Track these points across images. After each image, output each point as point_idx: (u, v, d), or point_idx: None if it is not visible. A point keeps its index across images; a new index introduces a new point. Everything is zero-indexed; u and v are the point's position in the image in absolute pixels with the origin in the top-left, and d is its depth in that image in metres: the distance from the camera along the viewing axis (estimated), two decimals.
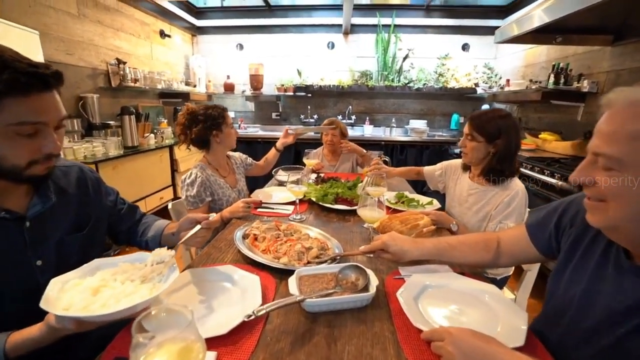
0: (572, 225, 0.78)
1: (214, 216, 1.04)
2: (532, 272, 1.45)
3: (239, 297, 0.84)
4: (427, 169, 1.88)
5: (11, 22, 1.88)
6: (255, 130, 4.84)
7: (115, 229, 1.10)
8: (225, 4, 4.88)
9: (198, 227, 1.00)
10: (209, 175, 1.62)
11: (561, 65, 3.04)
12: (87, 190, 0.97)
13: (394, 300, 0.83)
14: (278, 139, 2.12)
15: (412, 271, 0.98)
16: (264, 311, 0.70)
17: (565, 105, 3.11)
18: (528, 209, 1.42)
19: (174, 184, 3.57)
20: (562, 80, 2.99)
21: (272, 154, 2.14)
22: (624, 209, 0.58)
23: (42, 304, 0.62)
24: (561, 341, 0.71)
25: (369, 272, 0.88)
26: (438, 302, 0.82)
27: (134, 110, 3.02)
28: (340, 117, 4.69)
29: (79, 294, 0.67)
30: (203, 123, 1.60)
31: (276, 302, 0.73)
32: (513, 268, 1.53)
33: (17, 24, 2.06)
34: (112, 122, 2.98)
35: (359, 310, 0.81)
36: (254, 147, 4.33)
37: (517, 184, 1.39)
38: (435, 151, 4.24)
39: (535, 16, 2.46)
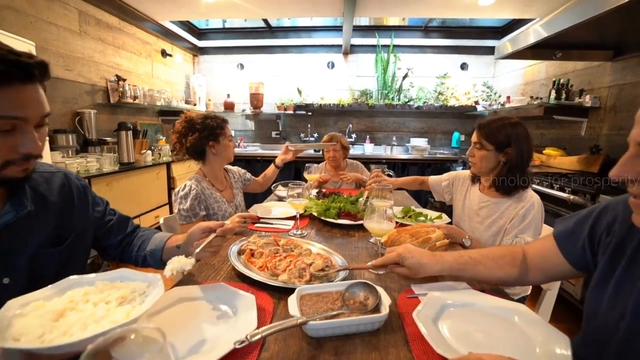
0: (610, 234, 0.69)
1: (228, 223, 0.97)
2: (552, 291, 1.33)
3: (231, 319, 0.73)
4: (432, 178, 1.81)
5: (6, 32, 1.85)
6: (255, 149, 4.80)
7: (104, 242, 0.99)
8: (227, 26, 4.97)
9: (213, 235, 0.92)
10: (205, 188, 1.53)
11: (562, 81, 3.02)
12: (71, 199, 0.88)
13: (410, 322, 0.72)
14: (277, 157, 2.05)
15: (427, 289, 0.87)
16: (259, 336, 0.59)
17: (568, 120, 3.08)
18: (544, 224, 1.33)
19: (170, 202, 3.46)
20: (563, 96, 2.97)
21: (271, 170, 2.06)
22: None
23: None
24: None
25: (380, 290, 0.78)
26: (461, 324, 0.72)
27: (132, 127, 2.97)
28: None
29: (36, 319, 0.55)
30: (200, 132, 1.53)
31: (273, 325, 0.63)
32: (530, 287, 1.42)
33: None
34: (108, 139, 2.93)
35: (370, 335, 0.70)
36: (253, 165, 4.26)
37: (532, 195, 1.30)
38: (437, 169, 4.18)
39: (535, 31, 2.47)
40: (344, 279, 0.92)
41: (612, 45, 2.65)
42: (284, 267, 0.96)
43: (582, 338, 0.71)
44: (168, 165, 3.44)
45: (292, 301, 0.74)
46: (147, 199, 3.07)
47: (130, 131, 2.92)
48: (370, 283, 0.80)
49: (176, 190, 1.49)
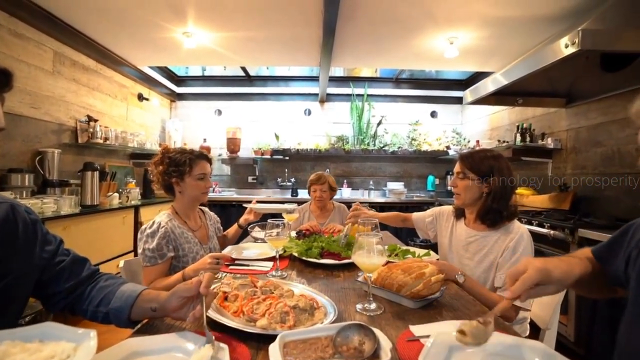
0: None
1: (202, 274, 0.77)
2: (551, 330, 1.25)
3: None
4: (416, 215, 1.76)
5: None
6: (231, 194, 4.66)
7: (50, 289, 0.81)
8: (206, 74, 5.10)
9: (204, 299, 0.74)
10: (175, 226, 1.39)
11: (524, 125, 3.24)
12: (14, 234, 0.74)
13: None
14: (252, 201, 1.90)
15: (428, 330, 0.77)
16: None
17: (535, 161, 3.24)
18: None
19: (135, 249, 3.18)
20: (527, 139, 3.17)
21: (233, 230, 1.87)
22: None
23: None
24: None
25: (377, 332, 0.67)
26: None
27: (98, 167, 2.80)
28: None
29: None
30: (167, 165, 1.43)
31: None
32: (528, 328, 1.33)
33: None
34: (71, 180, 2.73)
35: None
36: (228, 210, 4.10)
37: (519, 227, 1.27)
38: (415, 211, 4.19)
39: (496, 80, 2.68)
40: (332, 322, 0.80)
41: (564, 93, 2.92)
42: (262, 311, 0.82)
43: None
44: (136, 209, 3.22)
45: (274, 350, 0.62)
46: (109, 245, 2.80)
47: (97, 172, 2.75)
48: (365, 325, 0.69)
49: (143, 227, 1.33)
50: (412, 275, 0.98)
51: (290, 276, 1.27)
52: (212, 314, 0.81)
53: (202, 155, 1.51)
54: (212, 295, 0.80)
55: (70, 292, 0.83)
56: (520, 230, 1.25)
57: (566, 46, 1.78)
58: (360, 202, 1.90)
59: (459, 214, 1.48)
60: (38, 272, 0.79)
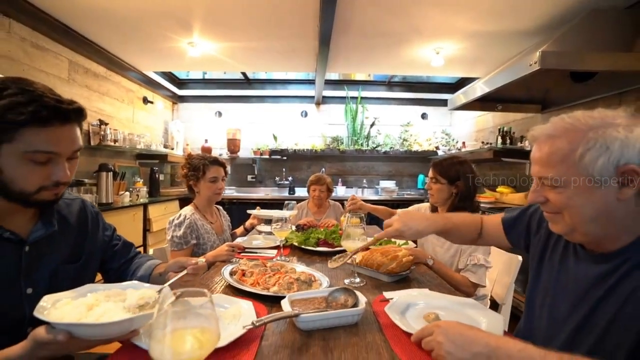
0: (539, 230, 0.91)
1: (202, 261, 1.02)
2: (506, 305, 1.53)
3: (233, 318, 0.85)
4: (400, 210, 2.02)
5: None
6: (231, 192, 4.90)
7: (107, 265, 1.08)
8: (206, 77, 5.32)
9: (184, 271, 0.98)
10: (197, 219, 1.65)
11: (505, 129, 3.52)
12: (86, 222, 0.99)
13: (383, 316, 0.88)
14: (252, 201, 2.20)
15: (396, 295, 1.03)
16: (262, 322, 0.73)
17: (514, 162, 3.53)
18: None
19: (144, 244, 3.42)
20: (508, 141, 3.45)
21: (240, 230, 2.16)
22: (578, 216, 0.69)
23: (35, 313, 0.61)
24: (544, 334, 0.79)
25: (358, 293, 0.93)
26: (422, 314, 0.88)
27: (112, 168, 3.03)
28: None
29: (72, 309, 0.67)
30: (187, 170, 1.69)
31: (273, 315, 0.76)
32: (489, 302, 1.60)
33: None
34: (86, 180, 2.96)
35: (350, 327, 0.85)
36: (228, 208, 4.33)
37: None
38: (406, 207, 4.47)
39: (478, 88, 2.94)
40: (328, 287, 1.06)
41: (540, 100, 3.20)
42: (273, 282, 1.09)
43: (523, 321, 0.90)
44: (145, 206, 3.46)
45: (285, 303, 0.88)
46: None
47: (111, 173, 2.98)
48: (349, 288, 0.95)
49: (171, 218, 1.59)
50: (389, 257, 1.24)
51: (292, 261, 1.52)
52: (236, 284, 1.07)
53: (216, 161, 1.76)
54: (190, 276, 1.00)
55: (119, 268, 1.10)
56: None
57: (530, 65, 2.05)
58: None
59: (433, 209, 1.75)
60: (101, 252, 1.04)
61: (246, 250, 1.65)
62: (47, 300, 0.68)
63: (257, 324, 0.72)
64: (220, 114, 5.23)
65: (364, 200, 2.14)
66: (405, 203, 4.51)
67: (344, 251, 1.34)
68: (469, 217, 1.12)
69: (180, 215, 1.60)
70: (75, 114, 0.81)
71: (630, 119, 0.65)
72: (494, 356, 0.59)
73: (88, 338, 0.64)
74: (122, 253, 1.11)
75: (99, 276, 1.09)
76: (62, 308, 0.67)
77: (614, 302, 0.66)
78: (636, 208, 0.66)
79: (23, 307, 0.77)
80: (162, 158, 4.29)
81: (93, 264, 1.01)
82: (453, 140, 5.04)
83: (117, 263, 1.09)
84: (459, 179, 1.55)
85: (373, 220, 2.75)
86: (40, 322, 0.64)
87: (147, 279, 1.08)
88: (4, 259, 0.77)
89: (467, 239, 1.10)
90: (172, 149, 4.77)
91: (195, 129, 5.18)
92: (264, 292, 1.01)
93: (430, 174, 1.64)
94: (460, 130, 4.99)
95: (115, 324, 0.62)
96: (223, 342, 0.70)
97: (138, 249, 1.19)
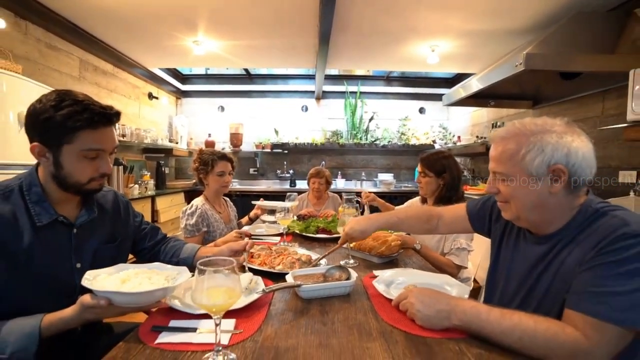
0: (499, 218, 1.07)
1: (247, 240, 1.24)
2: None
3: (246, 289, 1.01)
4: (398, 207, 2.19)
5: (32, 80, 2.14)
6: (234, 185, 5.06)
7: (140, 246, 1.25)
8: (209, 72, 5.44)
9: (245, 254, 1.23)
10: (207, 209, 1.82)
11: (498, 123, 3.67)
12: (119, 210, 1.15)
13: (371, 288, 1.05)
14: (254, 193, 2.35)
15: (382, 273, 1.20)
16: (271, 289, 0.90)
17: None
18: None
19: None
20: None
21: (245, 220, 2.32)
22: (521, 205, 0.84)
23: (83, 282, 0.78)
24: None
25: (350, 270, 1.10)
26: (404, 287, 1.05)
27: (123, 162, 3.20)
28: None
29: (110, 281, 0.84)
30: (198, 164, 1.85)
31: (279, 284, 0.93)
32: (472, 284, 1.77)
33: None
34: None
35: (343, 296, 1.01)
36: (234, 200, 4.51)
37: None
38: (403, 200, 4.57)
39: (471, 84, 3.08)
40: (326, 265, 1.23)
41: (531, 96, 3.33)
42: (278, 262, 1.25)
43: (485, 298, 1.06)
44: (153, 198, 3.63)
45: (289, 278, 1.05)
46: None
47: (122, 166, 3.14)
48: (343, 266, 1.12)
49: (184, 208, 1.76)
50: (380, 241, 1.41)
51: (294, 246, 1.69)
52: (245, 264, 1.24)
53: (224, 157, 1.91)
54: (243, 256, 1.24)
55: (152, 249, 1.27)
56: None
57: (515, 66, 2.19)
58: (356, 193, 2.31)
59: (423, 200, 1.92)
60: (133, 234, 1.21)
61: (252, 237, 1.82)
62: (89, 275, 0.85)
63: (267, 290, 0.88)
64: (222, 108, 5.37)
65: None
66: (402, 195, 4.68)
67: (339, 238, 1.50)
68: (419, 210, 1.27)
69: (192, 205, 1.77)
70: (116, 117, 0.98)
71: (564, 127, 0.80)
72: (452, 311, 0.76)
73: (123, 305, 0.80)
74: (152, 235, 1.28)
75: (130, 258, 1.26)
76: (102, 281, 0.84)
77: (549, 275, 0.82)
78: (564, 199, 0.81)
79: (74, 278, 0.94)
80: (168, 152, 4.45)
81: (126, 245, 1.18)
82: (450, 134, 5.17)
83: (148, 243, 1.26)
84: (445, 171, 1.71)
85: (375, 211, 2.91)
86: (86, 291, 0.80)
87: (192, 260, 1.23)
88: (60, 238, 0.93)
89: (419, 229, 1.25)
90: (177, 143, 4.92)
91: (199, 124, 5.32)
92: (271, 270, 1.18)
93: (419, 168, 1.79)
94: (457, 124, 5.13)
95: (146, 293, 0.79)
96: (240, 304, 0.87)
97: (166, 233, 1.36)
